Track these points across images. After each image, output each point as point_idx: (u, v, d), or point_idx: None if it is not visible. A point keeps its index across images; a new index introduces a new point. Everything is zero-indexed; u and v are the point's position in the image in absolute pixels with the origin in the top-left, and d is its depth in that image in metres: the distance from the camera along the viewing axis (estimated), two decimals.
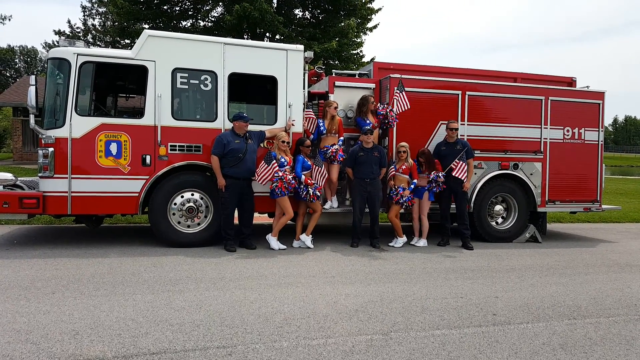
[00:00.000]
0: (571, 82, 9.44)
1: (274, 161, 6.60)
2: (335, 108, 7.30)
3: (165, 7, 20.11)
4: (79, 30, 22.85)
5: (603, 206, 8.93)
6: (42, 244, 6.87)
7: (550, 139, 8.49)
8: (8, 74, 56.45)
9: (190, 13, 20.54)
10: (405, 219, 7.96)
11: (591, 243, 8.78)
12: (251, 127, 6.87)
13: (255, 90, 7.90)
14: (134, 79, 6.79)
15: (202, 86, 6.85)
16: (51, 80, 6.58)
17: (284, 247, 6.92)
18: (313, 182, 6.89)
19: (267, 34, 18.34)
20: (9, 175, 6.66)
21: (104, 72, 6.72)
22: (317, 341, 3.67)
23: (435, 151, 7.74)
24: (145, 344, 3.49)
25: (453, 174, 7.38)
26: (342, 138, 7.45)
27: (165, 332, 3.72)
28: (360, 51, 20.83)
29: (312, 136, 7.38)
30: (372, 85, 7.95)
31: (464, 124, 8.03)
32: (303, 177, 6.85)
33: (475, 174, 8.05)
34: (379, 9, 20.74)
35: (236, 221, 6.99)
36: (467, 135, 8.03)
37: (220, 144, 6.54)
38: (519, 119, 8.36)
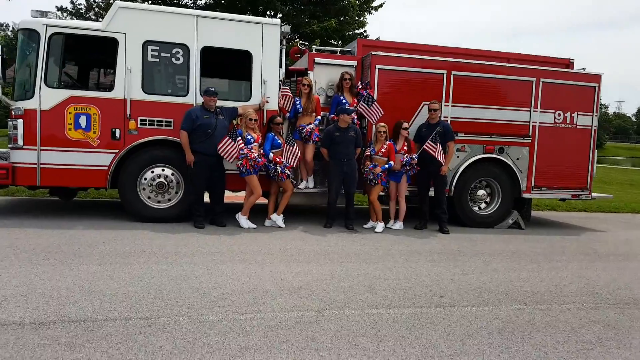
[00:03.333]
0: (568, 64, 9.00)
1: (239, 138, 6.47)
2: (308, 86, 7.09)
3: None
4: (81, 6, 22.63)
5: (593, 194, 8.60)
6: (17, 215, 6.90)
7: (540, 122, 8.16)
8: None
9: None
10: (384, 201, 7.78)
11: (577, 231, 8.50)
12: (225, 103, 6.76)
13: (229, 65, 7.72)
14: (104, 51, 6.71)
15: (173, 60, 6.72)
16: (21, 52, 6.55)
17: (254, 225, 6.83)
18: (282, 160, 6.76)
19: (268, 12, 18.01)
20: None
21: (74, 44, 6.63)
22: (245, 316, 3.60)
23: (416, 132, 7.53)
24: (68, 312, 3.46)
25: (429, 155, 7.14)
26: (319, 117, 7.27)
27: (94, 301, 3.69)
28: (364, 31, 20.26)
29: (288, 114, 7.21)
30: (354, 63, 7.69)
31: (448, 105, 7.76)
32: (272, 155, 6.72)
33: (458, 157, 7.82)
34: None
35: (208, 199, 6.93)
36: (451, 117, 7.76)
37: (189, 118, 6.44)
38: (507, 101, 8.04)
